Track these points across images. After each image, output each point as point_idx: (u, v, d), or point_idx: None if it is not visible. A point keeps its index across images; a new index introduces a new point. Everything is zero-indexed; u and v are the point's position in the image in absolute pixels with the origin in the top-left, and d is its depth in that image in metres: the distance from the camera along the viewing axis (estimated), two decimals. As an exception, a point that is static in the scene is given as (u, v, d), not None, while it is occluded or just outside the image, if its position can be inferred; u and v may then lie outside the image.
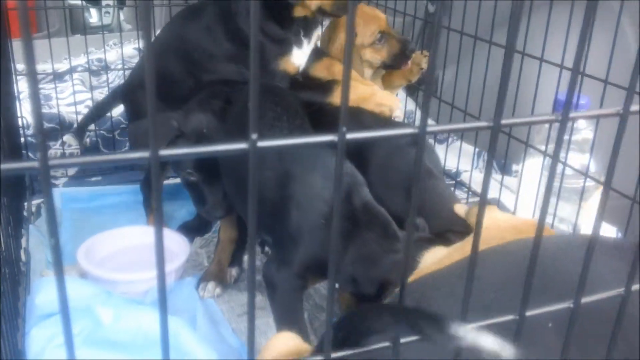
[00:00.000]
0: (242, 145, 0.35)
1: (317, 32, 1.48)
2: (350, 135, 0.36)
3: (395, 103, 1.41)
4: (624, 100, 0.49)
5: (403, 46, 1.69)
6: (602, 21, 1.24)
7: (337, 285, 1.19)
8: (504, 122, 0.39)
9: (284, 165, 1.16)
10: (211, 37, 1.41)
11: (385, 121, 1.42)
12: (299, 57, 1.41)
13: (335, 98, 1.39)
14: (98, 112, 1.87)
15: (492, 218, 0.99)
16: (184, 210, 1.69)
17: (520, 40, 1.43)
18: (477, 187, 1.73)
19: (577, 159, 1.32)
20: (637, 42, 1.71)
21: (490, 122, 0.38)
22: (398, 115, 1.42)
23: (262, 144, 0.35)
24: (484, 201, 0.44)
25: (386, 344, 0.42)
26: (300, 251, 1.11)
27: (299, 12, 1.34)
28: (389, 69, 1.77)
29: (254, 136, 0.34)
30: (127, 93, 1.64)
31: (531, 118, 0.52)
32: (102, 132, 1.95)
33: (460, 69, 1.85)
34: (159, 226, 0.37)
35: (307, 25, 1.40)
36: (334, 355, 0.41)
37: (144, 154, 0.33)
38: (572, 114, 0.44)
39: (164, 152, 0.33)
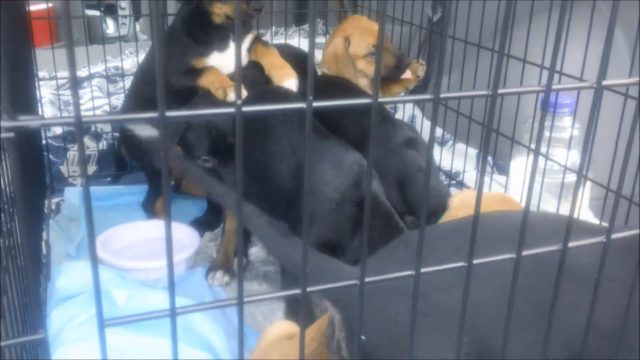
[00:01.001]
0: (230, 110, 0.44)
1: (250, 36, 1.70)
2: (316, 103, 0.45)
3: (230, 86, 1.52)
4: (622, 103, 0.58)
5: (398, 60, 1.78)
6: (595, 28, 1.31)
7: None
8: (443, 95, 0.47)
9: (296, 157, 1.27)
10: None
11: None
12: (217, 59, 1.63)
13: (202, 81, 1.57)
14: None
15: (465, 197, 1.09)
16: (195, 206, 1.79)
17: (522, 47, 1.50)
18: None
19: (564, 155, 1.40)
20: (628, 46, 1.77)
21: (432, 95, 0.47)
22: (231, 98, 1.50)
23: (245, 109, 0.44)
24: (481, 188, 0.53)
25: (353, 282, 0.51)
26: (313, 234, 1.21)
27: (216, 18, 1.60)
28: (384, 81, 1.86)
29: (239, 102, 0.43)
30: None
31: (520, 89, 0.61)
32: (116, 134, 2.05)
33: (464, 76, 1.94)
34: (167, 197, 0.45)
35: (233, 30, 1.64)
36: (309, 289, 0.50)
37: (153, 114, 0.42)
38: (555, 86, 0.52)
39: (170, 113, 0.42)
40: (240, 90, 0.43)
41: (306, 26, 3.20)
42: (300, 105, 0.45)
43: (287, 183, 1.28)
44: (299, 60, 1.85)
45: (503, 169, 1.90)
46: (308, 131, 0.46)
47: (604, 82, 0.58)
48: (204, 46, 1.62)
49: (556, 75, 1.37)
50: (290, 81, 1.59)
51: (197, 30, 1.62)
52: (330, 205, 1.21)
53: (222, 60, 1.64)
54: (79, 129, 0.41)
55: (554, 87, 0.56)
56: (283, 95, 1.50)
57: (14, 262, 0.92)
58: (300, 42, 2.44)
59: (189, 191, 1.85)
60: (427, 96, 0.48)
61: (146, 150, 1.66)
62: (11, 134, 0.42)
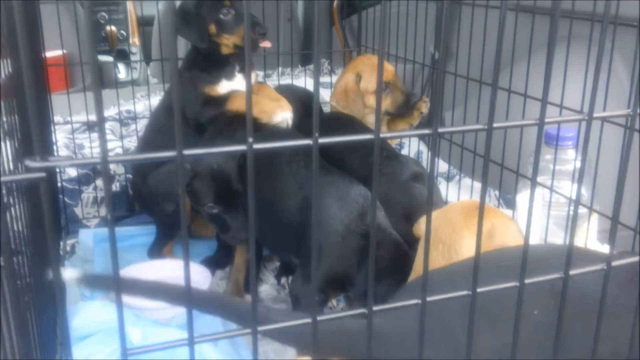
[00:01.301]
0: (242, 147, 0.47)
1: (255, 70, 1.83)
2: (322, 140, 0.48)
3: (274, 112, 1.63)
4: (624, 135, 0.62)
5: (407, 98, 1.84)
6: (594, 60, 1.34)
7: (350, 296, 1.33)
8: (441, 130, 0.50)
9: (303, 193, 1.30)
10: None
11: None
12: (226, 86, 1.73)
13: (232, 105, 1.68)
14: None
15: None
16: (206, 246, 1.82)
17: (523, 82, 1.53)
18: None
19: (568, 188, 1.42)
20: (629, 78, 1.81)
21: (431, 129, 0.50)
22: (278, 121, 1.63)
23: (256, 146, 0.47)
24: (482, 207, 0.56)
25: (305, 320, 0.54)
26: (321, 267, 1.24)
27: (225, 50, 1.72)
28: (393, 117, 1.90)
29: (250, 139, 0.46)
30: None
31: (515, 122, 0.64)
32: (129, 176, 2.09)
33: (468, 111, 1.98)
34: (185, 231, 0.48)
35: (241, 63, 1.75)
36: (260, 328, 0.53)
37: (171, 153, 0.45)
38: (548, 119, 0.56)
39: (188, 152, 0.45)
40: (251, 127, 0.47)
41: (312, 66, 3.27)
42: (307, 142, 0.48)
43: (295, 219, 1.31)
44: (303, 99, 1.90)
45: (510, 203, 1.92)
46: (315, 167, 0.49)
47: (595, 115, 0.61)
48: (213, 74, 1.72)
49: (556, 109, 1.41)
50: (285, 113, 1.66)
51: (204, 63, 1.72)
52: (337, 238, 1.24)
53: (231, 88, 1.74)
54: (105, 168, 0.45)
55: (546, 120, 0.59)
56: (289, 135, 1.55)
57: (31, 301, 0.95)
58: (306, 81, 2.50)
59: (199, 233, 1.88)
60: (427, 131, 0.51)
61: (156, 196, 1.71)
62: (43, 174, 0.45)
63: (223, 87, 1.73)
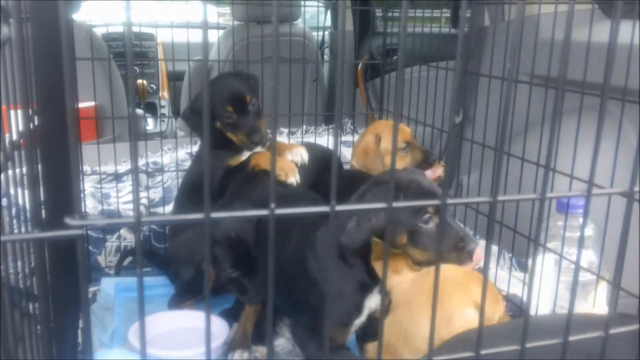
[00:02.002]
0: (264, 212, 0.52)
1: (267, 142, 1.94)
2: (339, 208, 0.53)
3: (292, 170, 1.74)
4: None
5: (426, 156, 1.90)
6: (606, 129, 1.38)
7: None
8: (449, 201, 0.55)
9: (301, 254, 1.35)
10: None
11: None
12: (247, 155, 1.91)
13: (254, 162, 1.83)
14: None
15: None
16: (223, 297, 1.85)
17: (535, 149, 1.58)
18: (500, 283, 1.86)
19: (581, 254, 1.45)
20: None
21: (490, 198, 0.55)
22: (292, 181, 1.72)
23: (278, 211, 0.52)
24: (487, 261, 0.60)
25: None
26: (326, 320, 1.27)
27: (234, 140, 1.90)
28: None
29: (272, 205, 0.51)
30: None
31: (518, 196, 0.69)
32: (154, 227, 2.15)
33: (483, 176, 2.02)
34: (207, 288, 0.53)
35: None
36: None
37: (199, 216, 0.51)
38: (549, 194, 0.60)
39: (215, 214, 0.51)
40: (275, 193, 0.52)
41: (334, 125, 3.35)
42: (325, 209, 0.53)
43: (294, 283, 1.36)
44: (322, 157, 1.98)
45: (523, 266, 1.95)
46: (332, 234, 0.54)
47: (595, 192, 0.66)
48: (234, 148, 1.89)
49: (567, 178, 1.45)
50: (299, 149, 1.81)
51: (224, 141, 1.89)
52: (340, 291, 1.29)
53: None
54: (138, 228, 0.50)
55: (548, 195, 0.64)
56: (308, 198, 1.59)
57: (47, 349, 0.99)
58: (329, 140, 2.57)
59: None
60: (436, 201, 0.55)
61: (175, 262, 1.80)
62: (81, 231, 0.50)
63: (245, 156, 1.89)
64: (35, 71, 1.01)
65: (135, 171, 0.53)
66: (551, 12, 1.74)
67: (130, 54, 0.48)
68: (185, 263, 1.64)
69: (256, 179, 1.72)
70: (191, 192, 1.94)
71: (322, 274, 1.27)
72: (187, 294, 1.80)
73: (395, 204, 0.55)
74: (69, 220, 0.49)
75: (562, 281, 1.50)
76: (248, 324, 1.59)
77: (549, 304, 1.51)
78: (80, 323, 1.70)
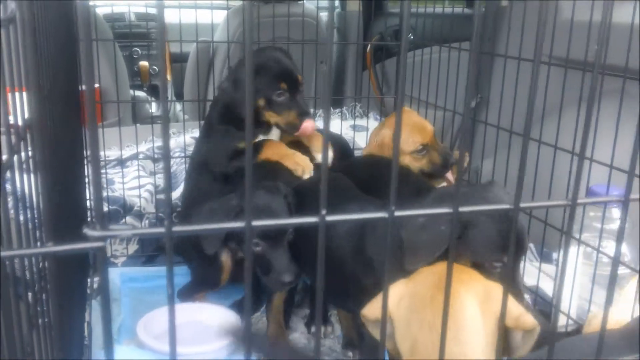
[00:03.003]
0: (313, 219, 0.45)
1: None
2: (398, 213, 0.46)
3: (309, 166, 1.67)
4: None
5: (444, 159, 1.80)
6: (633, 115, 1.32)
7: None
8: (461, 209, 0.48)
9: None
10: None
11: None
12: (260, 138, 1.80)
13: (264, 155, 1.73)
14: None
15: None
16: (233, 288, 1.78)
17: (553, 134, 1.51)
18: (526, 276, 1.79)
19: (612, 247, 1.38)
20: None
21: (512, 205, 0.48)
22: (306, 177, 1.65)
23: (329, 218, 0.45)
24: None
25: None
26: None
27: (265, 118, 1.75)
28: (428, 177, 1.87)
29: (323, 212, 0.44)
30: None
31: (546, 203, 0.62)
32: (160, 214, 2.09)
33: (497, 161, 1.95)
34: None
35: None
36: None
37: (240, 224, 0.43)
38: (580, 200, 0.53)
39: (256, 222, 0.44)
40: (325, 203, 0.45)
41: (344, 108, 3.27)
42: (383, 215, 0.46)
43: (348, 269, 1.29)
44: (335, 146, 1.90)
45: (548, 258, 1.88)
46: (389, 240, 0.47)
47: (632, 197, 0.58)
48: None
49: (603, 166, 1.38)
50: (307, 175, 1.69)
51: (239, 121, 1.72)
52: None
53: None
54: (169, 239, 0.43)
55: (579, 201, 0.56)
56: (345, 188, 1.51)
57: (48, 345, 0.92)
58: (337, 123, 2.54)
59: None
60: (448, 210, 0.48)
61: (196, 237, 1.66)
62: (102, 244, 0.43)
63: (256, 139, 1.78)
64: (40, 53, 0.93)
65: (168, 178, 0.46)
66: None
67: (162, 35, 0.41)
68: (206, 238, 1.49)
69: (274, 170, 1.64)
70: (203, 167, 1.84)
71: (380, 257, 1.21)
72: (203, 287, 1.72)
73: (462, 209, 0.48)
74: (88, 231, 0.41)
75: (584, 273, 1.43)
76: (279, 316, 1.55)
77: (575, 298, 1.45)
78: (86, 317, 1.64)
